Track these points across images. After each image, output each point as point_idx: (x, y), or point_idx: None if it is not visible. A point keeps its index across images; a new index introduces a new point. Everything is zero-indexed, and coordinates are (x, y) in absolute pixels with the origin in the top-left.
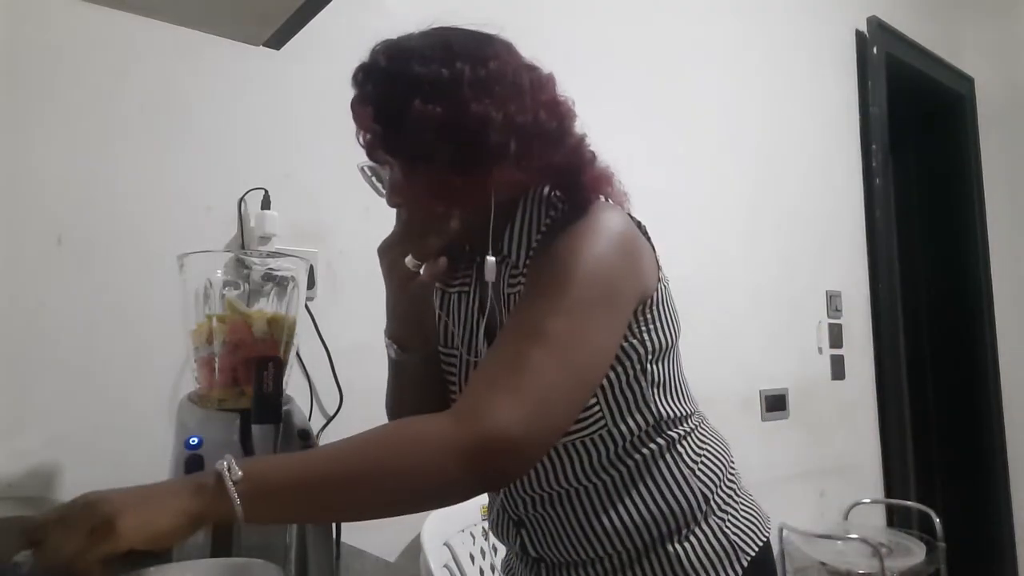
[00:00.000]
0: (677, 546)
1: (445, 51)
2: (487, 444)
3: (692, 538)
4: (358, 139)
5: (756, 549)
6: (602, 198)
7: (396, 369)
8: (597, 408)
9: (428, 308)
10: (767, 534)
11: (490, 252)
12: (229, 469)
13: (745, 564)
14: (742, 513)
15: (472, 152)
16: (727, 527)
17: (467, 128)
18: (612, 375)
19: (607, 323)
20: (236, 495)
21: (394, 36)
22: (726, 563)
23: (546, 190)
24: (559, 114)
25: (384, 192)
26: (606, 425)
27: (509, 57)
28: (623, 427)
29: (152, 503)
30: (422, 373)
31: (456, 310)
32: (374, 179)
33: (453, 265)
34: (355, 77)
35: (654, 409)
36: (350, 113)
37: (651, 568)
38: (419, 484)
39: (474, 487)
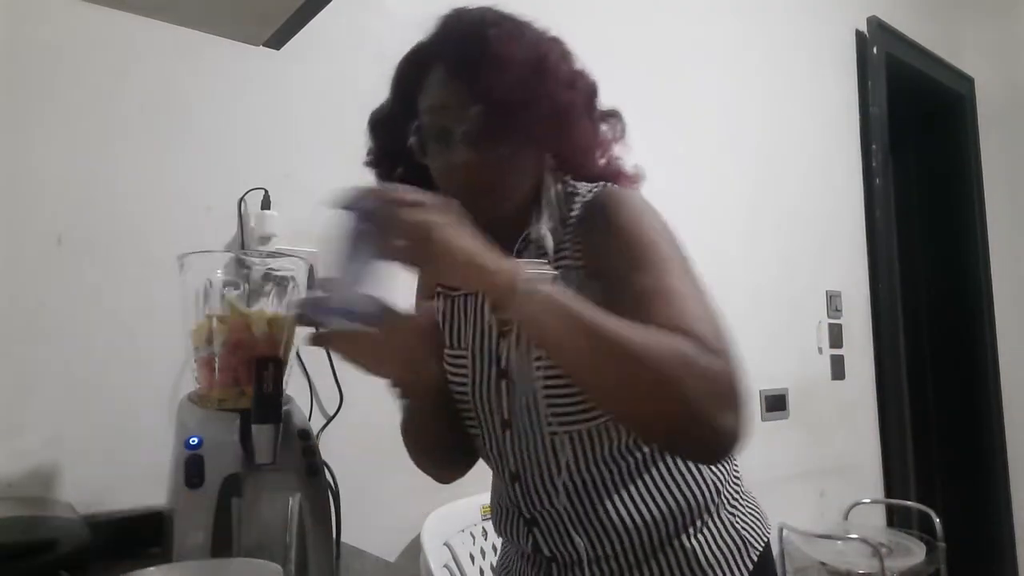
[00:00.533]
0: (691, 541)
1: (530, 33)
2: (723, 369)
3: (706, 531)
4: (433, 110)
5: (762, 546)
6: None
7: (407, 411)
8: None
9: (424, 357)
10: (769, 532)
11: (538, 226)
12: (531, 277)
13: (755, 559)
14: (748, 509)
15: (562, 135)
16: (737, 522)
17: (561, 113)
18: None
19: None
20: (522, 291)
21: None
22: (738, 558)
23: (559, 185)
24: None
25: (429, 159)
26: None
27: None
28: None
29: (465, 241)
30: (430, 415)
31: (462, 310)
32: (418, 146)
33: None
34: (453, 35)
35: None
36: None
37: (667, 563)
38: (673, 392)
39: (721, 430)
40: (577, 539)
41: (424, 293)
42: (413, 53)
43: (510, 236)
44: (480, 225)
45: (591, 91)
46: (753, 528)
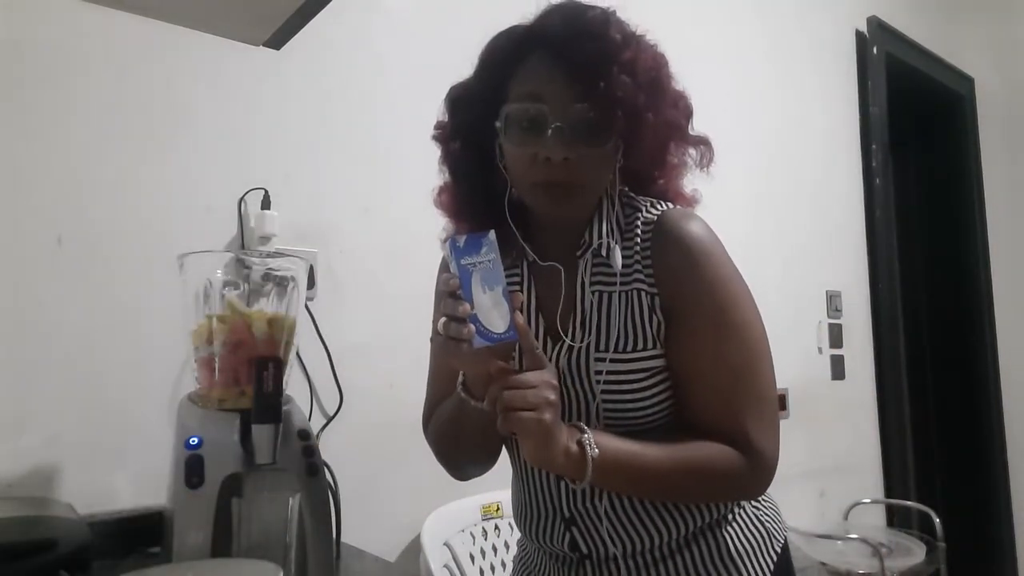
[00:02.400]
0: (722, 533)
1: (648, 45)
2: (768, 476)
3: (735, 523)
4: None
5: (783, 538)
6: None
7: (461, 410)
8: (671, 406)
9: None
10: (787, 528)
11: (607, 238)
12: (591, 447)
13: (778, 550)
14: (767, 504)
15: (658, 152)
16: (760, 515)
17: (666, 129)
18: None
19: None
20: (591, 468)
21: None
22: (766, 548)
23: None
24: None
25: (516, 143)
26: (670, 422)
27: None
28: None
29: (546, 439)
30: (484, 422)
31: None
32: (504, 128)
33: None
34: (570, 25)
35: None
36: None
37: (699, 553)
38: (716, 498)
39: (750, 498)
40: (616, 535)
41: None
42: (514, 36)
43: (570, 237)
44: (546, 223)
45: (690, 113)
46: (774, 521)
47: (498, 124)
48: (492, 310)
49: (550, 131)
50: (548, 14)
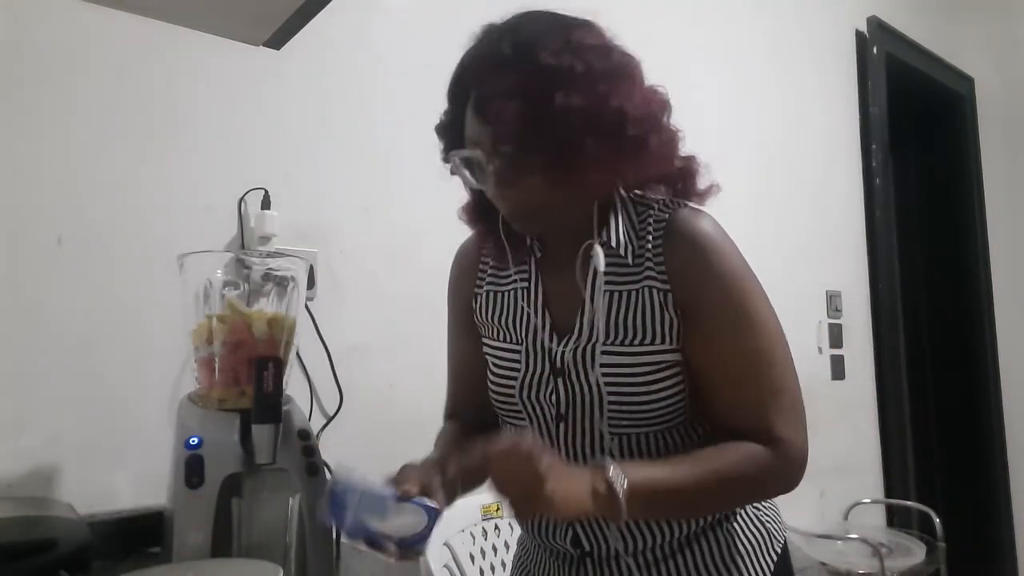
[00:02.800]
0: (723, 532)
1: (567, 42)
2: (800, 469)
3: (737, 523)
4: (471, 126)
5: (783, 538)
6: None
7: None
8: (683, 405)
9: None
10: (786, 528)
11: (598, 243)
12: (621, 484)
13: (779, 550)
14: (767, 505)
15: (612, 146)
16: (761, 515)
17: (608, 122)
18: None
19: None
20: (624, 503)
21: (494, 21)
22: (767, 546)
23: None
24: (662, 105)
25: (474, 182)
26: (685, 423)
27: (617, 45)
28: (698, 427)
29: (569, 483)
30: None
31: (512, 305)
32: (464, 169)
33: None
34: (477, 64)
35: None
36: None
37: (700, 552)
38: (752, 500)
39: (781, 494)
40: (619, 532)
41: (457, 310)
42: (457, 73)
43: (579, 234)
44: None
45: (623, 117)
46: (774, 522)
47: (452, 171)
48: (402, 522)
49: (486, 172)
50: (465, 55)
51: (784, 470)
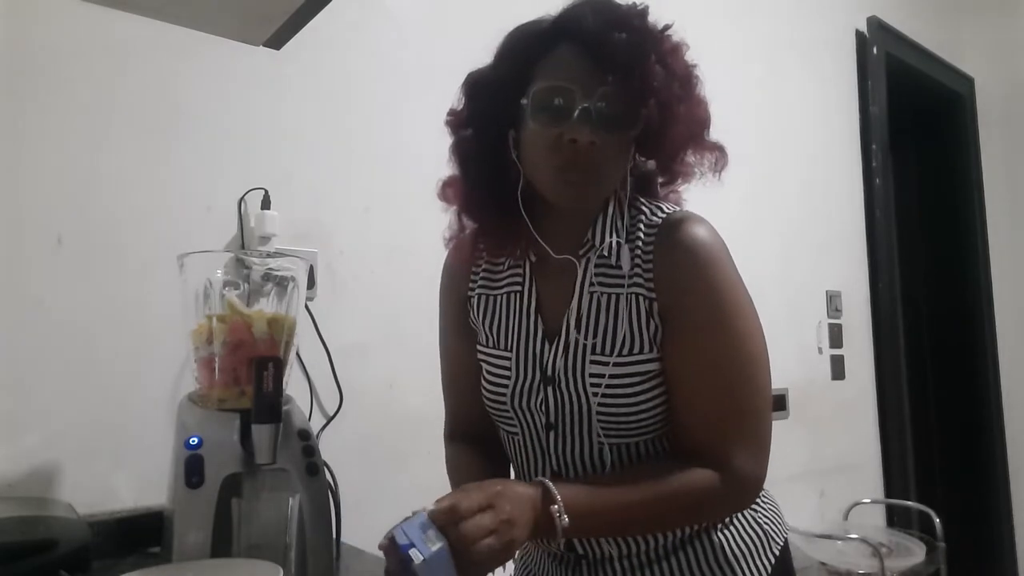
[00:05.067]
0: (718, 535)
1: (680, 51)
2: (750, 495)
3: (733, 526)
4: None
5: (783, 540)
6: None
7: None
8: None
9: None
10: (788, 529)
11: (611, 239)
12: (560, 516)
13: (777, 552)
14: (768, 506)
15: (698, 146)
16: (759, 517)
17: (695, 126)
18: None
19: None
20: (562, 534)
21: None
22: (764, 550)
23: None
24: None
25: (544, 124)
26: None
27: None
28: None
29: (519, 508)
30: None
31: (504, 310)
32: (529, 111)
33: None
34: (612, 26)
35: None
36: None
37: (694, 555)
38: (701, 521)
39: (729, 515)
40: (611, 537)
41: (451, 312)
42: (540, 27)
43: (574, 237)
44: (553, 219)
45: (710, 119)
46: (774, 523)
47: (524, 102)
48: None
49: (577, 112)
50: (577, 7)
51: (731, 498)
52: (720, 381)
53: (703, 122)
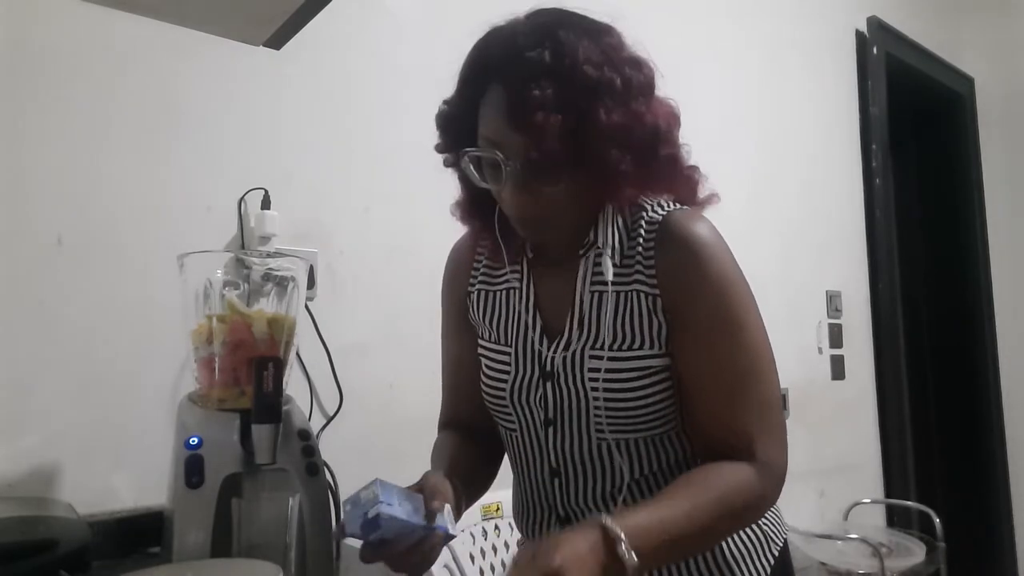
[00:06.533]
0: None
1: (604, 53)
2: (779, 488)
3: None
4: (499, 130)
5: (782, 541)
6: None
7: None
8: (674, 410)
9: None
10: (787, 530)
11: (606, 251)
12: (629, 555)
13: (776, 553)
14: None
15: (644, 163)
16: (759, 520)
17: (642, 139)
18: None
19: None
20: (633, 573)
21: (511, 20)
22: (763, 551)
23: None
24: (677, 120)
25: (481, 182)
26: (676, 428)
27: (640, 54)
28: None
29: (582, 568)
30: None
31: (504, 305)
32: (472, 167)
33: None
34: (509, 66)
35: None
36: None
37: (692, 556)
38: (747, 524)
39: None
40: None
41: (451, 308)
42: (474, 64)
43: (573, 236)
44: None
45: (644, 119)
46: (773, 524)
47: (462, 166)
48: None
49: (504, 174)
50: (488, 41)
51: (768, 492)
52: (731, 377)
53: (637, 121)
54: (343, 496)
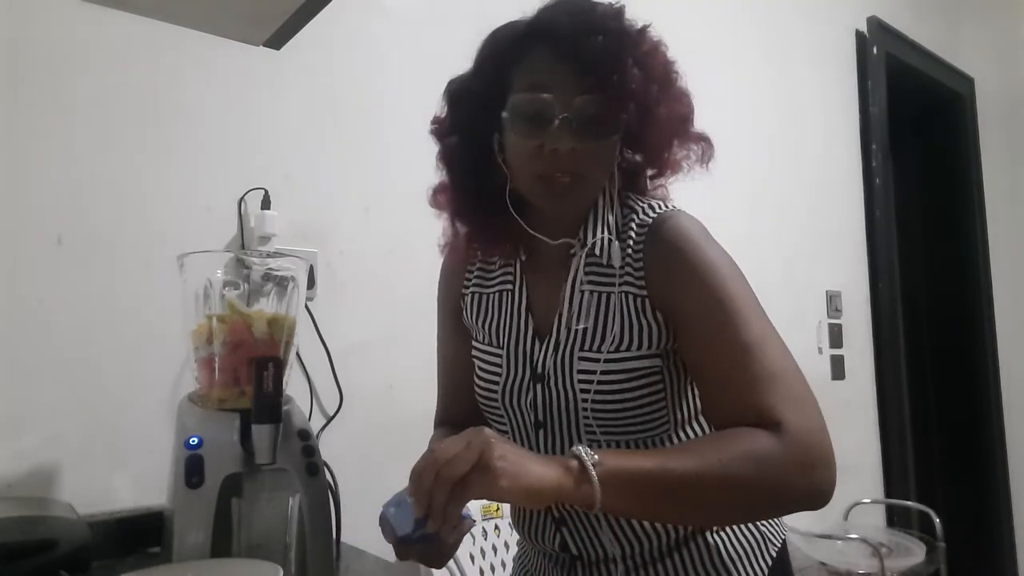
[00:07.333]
0: (714, 537)
1: (655, 39)
2: (814, 450)
3: (729, 527)
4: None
5: (780, 542)
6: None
7: None
8: (665, 411)
9: None
10: (786, 531)
11: (601, 236)
12: (586, 453)
13: (774, 554)
14: None
15: (685, 141)
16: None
17: (686, 120)
18: (678, 384)
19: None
20: (596, 478)
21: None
22: (758, 553)
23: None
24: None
25: (502, 149)
26: (669, 430)
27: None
28: (681, 435)
29: (527, 463)
30: None
31: (496, 307)
32: (496, 136)
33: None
34: (582, 33)
35: (704, 425)
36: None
37: (689, 557)
38: (766, 497)
39: (810, 497)
40: (605, 538)
41: (446, 310)
42: (517, 30)
43: (564, 235)
44: (542, 220)
45: (693, 110)
46: (771, 525)
47: (504, 115)
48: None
49: (557, 122)
50: (551, 9)
51: (796, 456)
52: (734, 354)
53: (685, 117)
54: (343, 496)
